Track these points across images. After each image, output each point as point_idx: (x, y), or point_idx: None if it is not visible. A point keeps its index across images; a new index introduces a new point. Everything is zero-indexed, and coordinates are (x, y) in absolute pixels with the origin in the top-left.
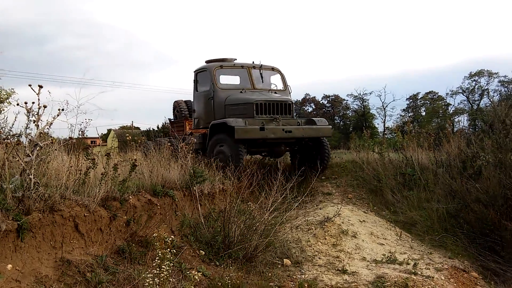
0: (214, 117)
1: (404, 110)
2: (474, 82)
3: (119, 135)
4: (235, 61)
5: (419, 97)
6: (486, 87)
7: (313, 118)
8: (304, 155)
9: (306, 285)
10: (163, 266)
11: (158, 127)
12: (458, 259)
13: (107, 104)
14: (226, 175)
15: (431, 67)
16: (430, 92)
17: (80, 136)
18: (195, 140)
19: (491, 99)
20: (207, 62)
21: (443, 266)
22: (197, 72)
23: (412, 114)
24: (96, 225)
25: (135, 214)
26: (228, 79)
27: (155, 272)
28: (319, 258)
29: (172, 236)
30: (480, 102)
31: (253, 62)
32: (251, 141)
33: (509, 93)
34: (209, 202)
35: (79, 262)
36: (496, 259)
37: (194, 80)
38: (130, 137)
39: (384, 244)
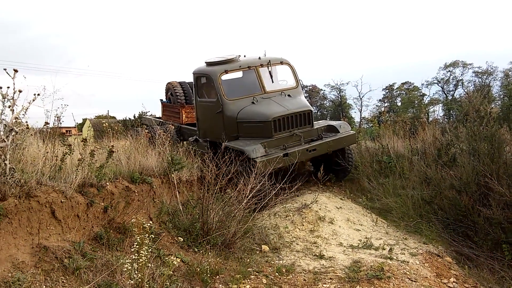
0: (224, 133)
1: (380, 100)
2: (449, 72)
3: (94, 124)
4: (239, 60)
5: (395, 88)
6: (460, 78)
7: (333, 124)
8: (326, 163)
9: (284, 270)
10: (141, 252)
11: (134, 116)
12: (432, 245)
13: (84, 90)
14: (205, 162)
15: (408, 61)
16: (405, 83)
17: (56, 123)
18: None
19: (466, 89)
20: (208, 64)
21: (417, 251)
22: (198, 76)
23: (388, 104)
24: (73, 212)
25: (112, 201)
26: (230, 75)
27: (133, 257)
28: (297, 244)
29: (150, 222)
30: (454, 92)
31: (259, 57)
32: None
33: (483, 83)
34: (187, 189)
35: (56, 248)
36: (469, 244)
37: (194, 85)
38: (106, 125)
39: (360, 230)
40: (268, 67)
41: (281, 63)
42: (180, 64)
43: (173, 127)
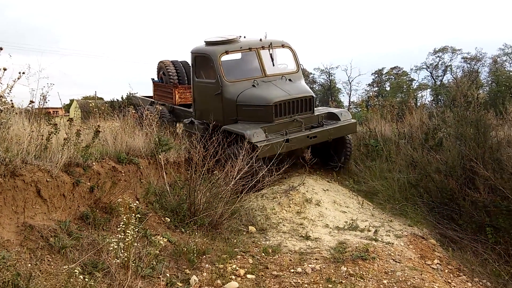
0: (223, 116)
1: (369, 85)
2: (438, 58)
3: (82, 105)
4: (240, 41)
5: (384, 72)
6: (449, 63)
7: (334, 112)
8: (324, 151)
9: (270, 251)
10: (127, 231)
11: (122, 97)
12: (417, 227)
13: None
14: (192, 144)
15: (397, 46)
16: (395, 68)
17: (42, 102)
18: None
19: (454, 75)
20: (208, 43)
21: (402, 233)
22: (197, 55)
23: (377, 88)
24: (59, 191)
25: (99, 181)
26: (229, 56)
27: (120, 237)
28: (284, 225)
29: (137, 202)
30: (443, 78)
31: (260, 39)
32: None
33: (471, 69)
34: (174, 170)
35: (42, 227)
36: (453, 227)
37: (192, 64)
38: (93, 105)
39: (346, 212)
40: (269, 49)
41: (283, 46)
42: (168, 44)
43: (160, 108)
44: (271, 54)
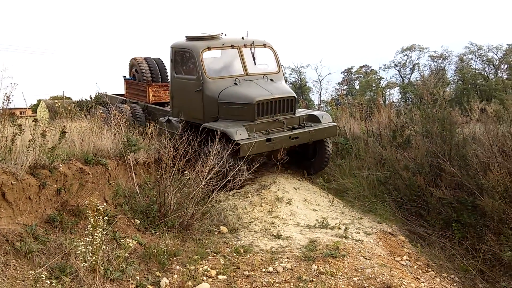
0: (203, 113)
1: (339, 83)
2: (406, 56)
3: (49, 105)
4: (222, 38)
5: (353, 71)
6: (417, 62)
7: (315, 114)
8: (302, 154)
9: (242, 250)
10: (95, 234)
11: (90, 97)
12: (386, 224)
13: (36, 70)
14: (162, 144)
15: (367, 45)
16: (364, 66)
17: (6, 103)
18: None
19: (421, 73)
20: (189, 38)
21: (372, 230)
22: (177, 51)
23: (346, 87)
24: (24, 194)
25: (66, 183)
26: (210, 53)
27: (87, 240)
28: (255, 225)
29: (105, 204)
30: (411, 76)
31: (242, 37)
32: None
33: (438, 67)
34: (144, 171)
35: (7, 232)
36: (422, 223)
37: (171, 59)
38: (59, 105)
39: (317, 210)
40: (251, 48)
41: (264, 45)
42: (134, 42)
43: (133, 107)
44: (252, 53)
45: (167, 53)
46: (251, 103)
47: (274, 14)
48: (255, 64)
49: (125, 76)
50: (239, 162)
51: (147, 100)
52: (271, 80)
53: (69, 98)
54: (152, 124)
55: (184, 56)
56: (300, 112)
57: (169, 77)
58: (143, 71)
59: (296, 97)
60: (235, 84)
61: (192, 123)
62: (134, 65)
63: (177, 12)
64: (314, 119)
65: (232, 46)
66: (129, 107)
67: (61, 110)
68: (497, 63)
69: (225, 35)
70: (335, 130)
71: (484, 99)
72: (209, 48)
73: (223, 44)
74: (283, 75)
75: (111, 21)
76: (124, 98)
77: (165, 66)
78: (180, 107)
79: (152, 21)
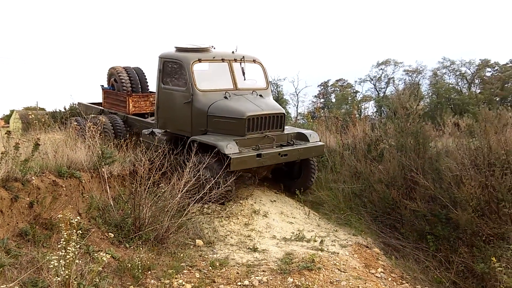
0: (191, 126)
1: (316, 96)
2: (381, 70)
3: (22, 116)
4: (212, 50)
5: (330, 84)
6: (392, 76)
7: (303, 132)
8: (287, 172)
9: (217, 264)
10: (68, 248)
11: (64, 108)
12: (361, 236)
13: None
14: (137, 156)
15: (343, 59)
16: (340, 80)
17: None
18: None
19: (396, 87)
20: (178, 49)
21: (347, 242)
22: (166, 61)
23: (323, 100)
24: None
25: (38, 196)
26: (200, 65)
27: (60, 254)
28: (231, 238)
29: (78, 218)
30: (386, 90)
31: (232, 52)
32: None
33: (412, 81)
34: (118, 184)
35: None
36: (396, 236)
37: (159, 69)
38: (33, 116)
39: (293, 223)
40: (241, 63)
41: (254, 61)
42: (111, 51)
43: (107, 118)
44: (242, 68)
45: (146, 62)
46: (242, 118)
47: (252, 27)
48: (244, 79)
49: (103, 86)
50: (228, 176)
51: (127, 111)
52: (260, 95)
53: (43, 109)
54: (131, 136)
55: (173, 67)
56: (288, 129)
57: (156, 88)
58: (123, 81)
59: (286, 114)
60: (225, 98)
61: (178, 135)
62: (113, 74)
63: (155, 22)
64: (302, 137)
65: (223, 60)
66: (108, 118)
67: (34, 121)
68: (470, 78)
69: (214, 48)
70: (322, 149)
71: (458, 113)
72: (200, 60)
73: (213, 57)
74: (271, 91)
75: (87, 30)
76: (102, 108)
77: (145, 76)
78: (166, 118)
79: (129, 30)
